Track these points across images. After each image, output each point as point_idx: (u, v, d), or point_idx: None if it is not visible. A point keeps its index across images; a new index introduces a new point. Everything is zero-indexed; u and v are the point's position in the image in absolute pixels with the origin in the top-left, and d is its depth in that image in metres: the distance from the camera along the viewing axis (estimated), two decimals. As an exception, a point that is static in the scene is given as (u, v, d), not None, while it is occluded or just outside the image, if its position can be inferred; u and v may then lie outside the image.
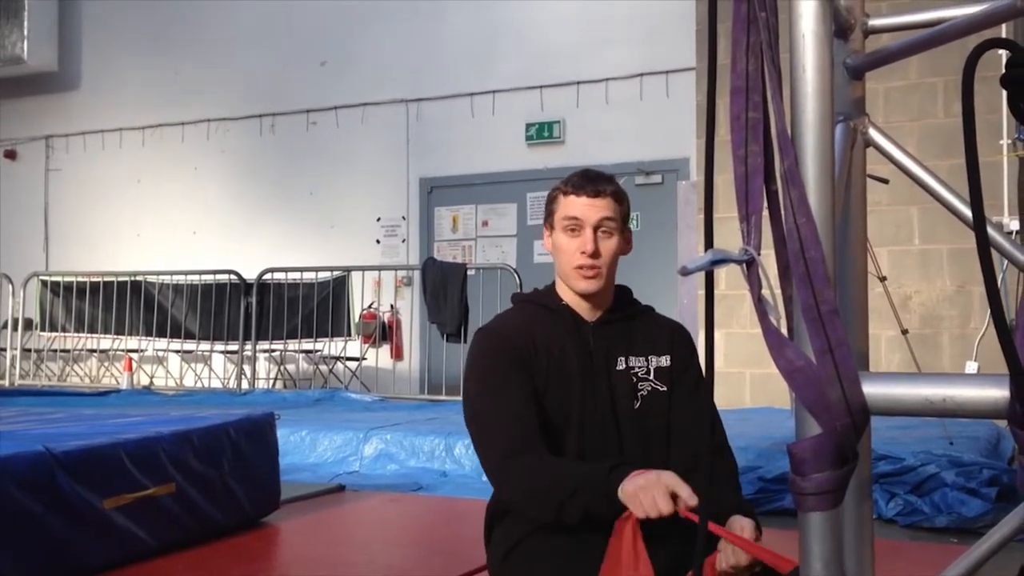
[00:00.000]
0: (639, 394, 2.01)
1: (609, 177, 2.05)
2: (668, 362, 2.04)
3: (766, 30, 1.05)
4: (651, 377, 2.02)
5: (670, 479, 1.68)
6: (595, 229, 1.99)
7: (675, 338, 2.09)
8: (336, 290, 8.43)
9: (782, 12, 1.05)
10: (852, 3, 1.26)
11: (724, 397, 6.45)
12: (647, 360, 2.03)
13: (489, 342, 2.04)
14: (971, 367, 5.02)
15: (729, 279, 6.41)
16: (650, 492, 1.65)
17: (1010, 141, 5.27)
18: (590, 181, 2.01)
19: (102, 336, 9.02)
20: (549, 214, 2.07)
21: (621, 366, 2.01)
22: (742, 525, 1.77)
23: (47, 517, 2.48)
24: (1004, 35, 1.19)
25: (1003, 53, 1.05)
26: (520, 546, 1.95)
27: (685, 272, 1.07)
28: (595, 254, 1.98)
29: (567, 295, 2.06)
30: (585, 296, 2.03)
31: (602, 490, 1.74)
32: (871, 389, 1.00)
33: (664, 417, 2.02)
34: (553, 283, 2.12)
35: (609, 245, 2.00)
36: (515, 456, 1.89)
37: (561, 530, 1.86)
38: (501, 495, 2.00)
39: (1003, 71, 1.10)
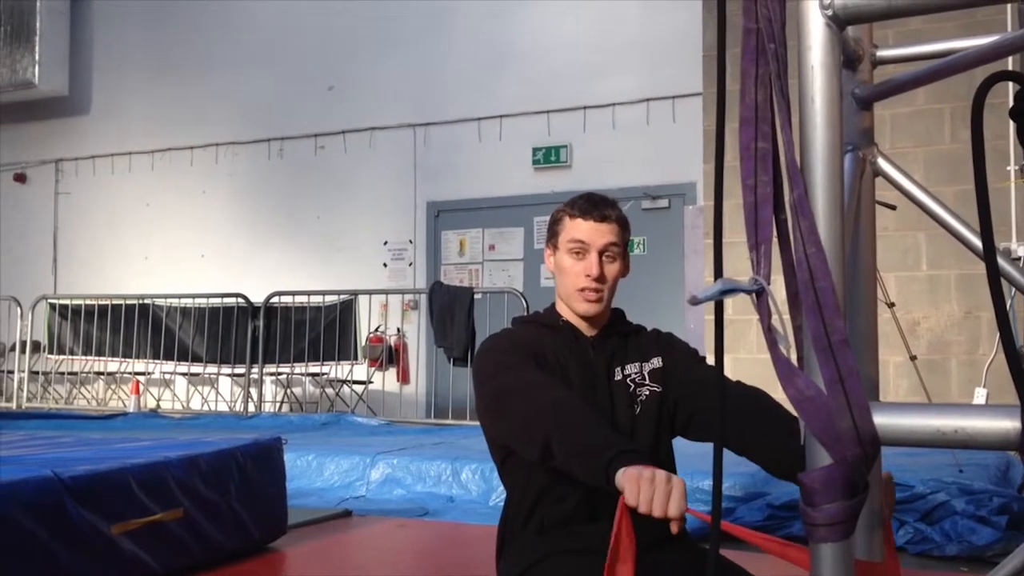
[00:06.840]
0: (638, 400, 2.03)
1: (613, 202, 2.09)
2: (660, 363, 2.07)
3: (775, 61, 1.05)
4: (647, 381, 2.04)
5: (678, 489, 1.53)
6: (600, 253, 2.02)
7: (659, 340, 2.13)
8: (343, 314, 8.44)
9: (790, 43, 1.06)
10: (860, 34, 1.27)
11: (731, 422, 6.42)
12: (640, 366, 2.06)
13: (499, 342, 2.06)
14: (980, 393, 4.99)
15: (736, 304, 6.39)
16: (651, 487, 1.51)
17: (1018, 167, 5.27)
18: (596, 206, 2.04)
19: (109, 359, 9.05)
20: (553, 235, 2.11)
21: (618, 376, 2.04)
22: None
23: (54, 543, 2.47)
24: (1011, 67, 1.19)
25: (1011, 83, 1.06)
26: (532, 570, 1.94)
27: (695, 302, 1.07)
28: (600, 278, 2.02)
29: (567, 313, 2.09)
30: (585, 317, 2.07)
31: (599, 464, 1.61)
32: (882, 419, 1.00)
33: (663, 417, 2.03)
34: (553, 304, 2.15)
35: (612, 269, 2.05)
36: (521, 372, 1.88)
37: (574, 555, 1.85)
38: (494, 404, 1.94)
39: (1011, 100, 1.10)
